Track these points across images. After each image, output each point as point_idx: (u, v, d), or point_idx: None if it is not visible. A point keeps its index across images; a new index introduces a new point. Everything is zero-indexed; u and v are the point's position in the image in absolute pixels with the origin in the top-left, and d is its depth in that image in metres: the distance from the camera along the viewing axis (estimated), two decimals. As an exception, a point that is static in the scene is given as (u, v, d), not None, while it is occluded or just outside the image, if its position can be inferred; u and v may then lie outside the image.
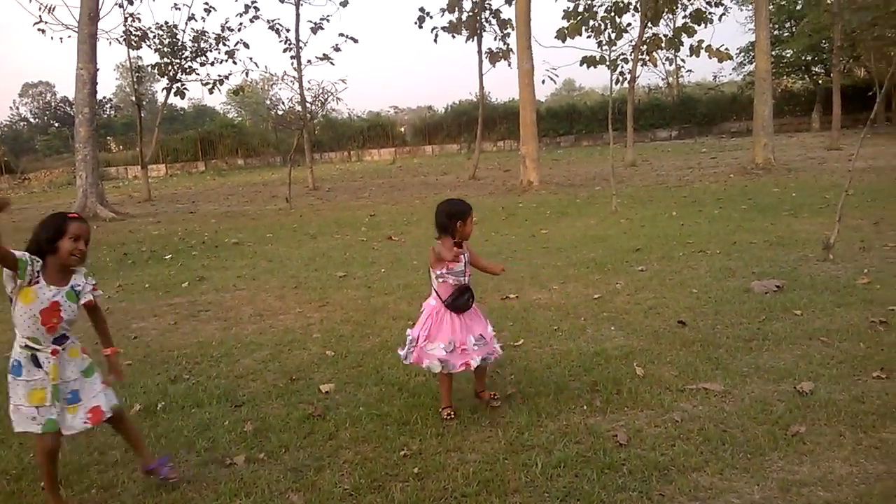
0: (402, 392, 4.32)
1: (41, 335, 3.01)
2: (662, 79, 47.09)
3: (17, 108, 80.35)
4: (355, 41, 24.67)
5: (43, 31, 24.31)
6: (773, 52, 30.55)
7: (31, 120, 78.90)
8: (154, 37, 25.27)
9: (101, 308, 3.32)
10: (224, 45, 25.82)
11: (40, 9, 21.85)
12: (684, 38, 22.68)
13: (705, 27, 21.96)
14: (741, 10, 38.42)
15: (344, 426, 3.88)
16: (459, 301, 3.89)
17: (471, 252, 4.07)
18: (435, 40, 25.89)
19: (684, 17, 23.21)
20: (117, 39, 24.48)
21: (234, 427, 3.98)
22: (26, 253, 2.96)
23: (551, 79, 18.21)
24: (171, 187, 31.61)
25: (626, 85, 24.85)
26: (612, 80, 16.45)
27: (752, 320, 5.35)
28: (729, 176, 17.78)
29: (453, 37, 25.16)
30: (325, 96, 24.03)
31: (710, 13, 22.74)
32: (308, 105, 24.58)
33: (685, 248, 8.48)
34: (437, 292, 3.97)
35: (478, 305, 4.07)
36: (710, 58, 20.20)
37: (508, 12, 24.46)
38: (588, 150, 36.61)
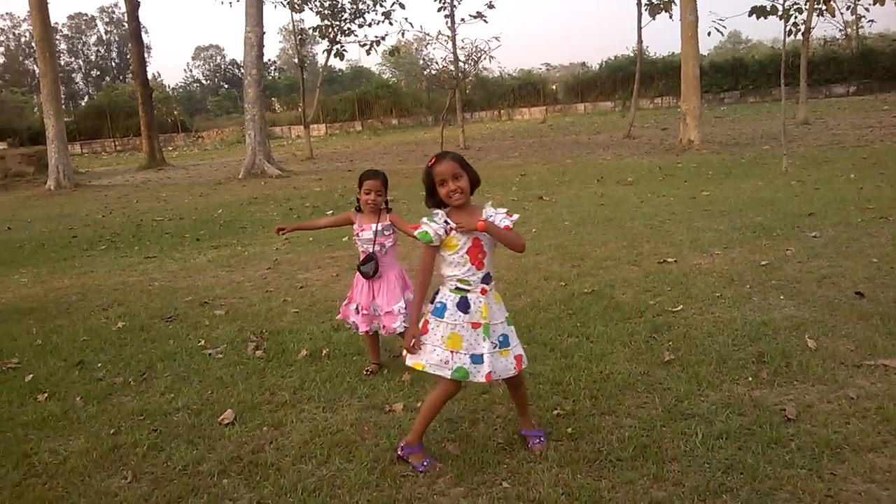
0: (553, 352, 4.30)
1: (472, 275, 3.04)
2: (840, 30, 42.93)
3: (191, 71, 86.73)
4: (510, -3, 24.35)
5: (215, -3, 25.77)
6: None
7: (203, 81, 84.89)
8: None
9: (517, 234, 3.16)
10: (381, 5, 26.39)
11: (214, -25, 23.20)
12: (869, -18, 20.49)
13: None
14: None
15: (496, 382, 3.92)
16: (365, 267, 4.15)
17: (397, 221, 4.17)
18: (592, -6, 25.03)
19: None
20: (282, 3, 25.67)
21: (393, 376, 4.14)
22: (424, 221, 3.03)
23: (718, 30, 17.09)
24: (330, 146, 33.02)
25: (799, 37, 22.91)
26: (784, 32, 15.17)
27: (943, 294, 4.84)
28: (918, 135, 16.10)
29: (611, -11, 24.21)
30: (478, 55, 24.02)
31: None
32: (461, 64, 24.68)
33: (864, 213, 7.78)
34: (359, 255, 4.27)
35: (409, 277, 4.23)
36: (899, 4, 18.17)
37: (671, -39, 23.15)
38: (755, 106, 34.29)
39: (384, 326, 4.16)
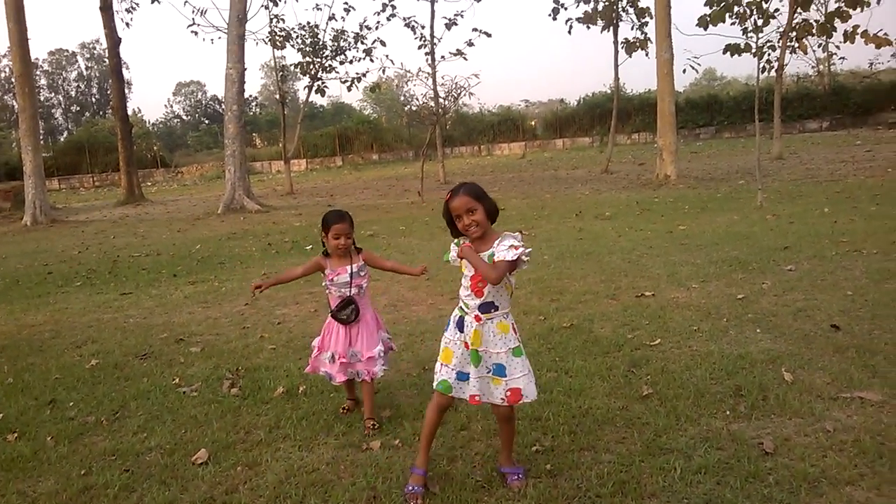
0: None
1: (470, 300, 3.09)
2: (812, 66, 43.99)
3: (171, 106, 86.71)
4: (489, 35, 24.74)
5: (195, 33, 26.13)
6: (944, 34, 27.76)
7: (184, 117, 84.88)
8: (297, 37, 26.51)
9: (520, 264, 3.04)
10: (362, 43, 26.72)
11: (193, 12, 23.41)
12: (837, 23, 20.98)
13: (861, 11, 20.22)
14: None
15: (475, 418, 3.90)
16: (342, 313, 3.94)
17: (370, 259, 4.08)
18: (569, 32, 25.55)
19: (837, 0, 21.52)
20: (263, 40, 25.92)
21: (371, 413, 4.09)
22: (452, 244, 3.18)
23: (693, 68, 17.51)
24: (310, 181, 33.04)
25: (772, 73, 23.42)
26: (758, 69, 15.53)
27: (916, 326, 4.90)
28: (887, 170, 16.42)
29: (588, 28, 24.71)
30: (458, 91, 24.26)
31: (867, -5, 20.94)
32: (441, 100, 24.93)
33: (838, 246, 7.89)
34: (329, 302, 4.04)
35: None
36: (867, 44, 18.57)
37: (647, 0, 23.70)
38: (730, 142, 34.88)
39: (368, 372, 3.97)
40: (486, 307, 3.06)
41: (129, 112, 33.92)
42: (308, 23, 26.45)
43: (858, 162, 19.11)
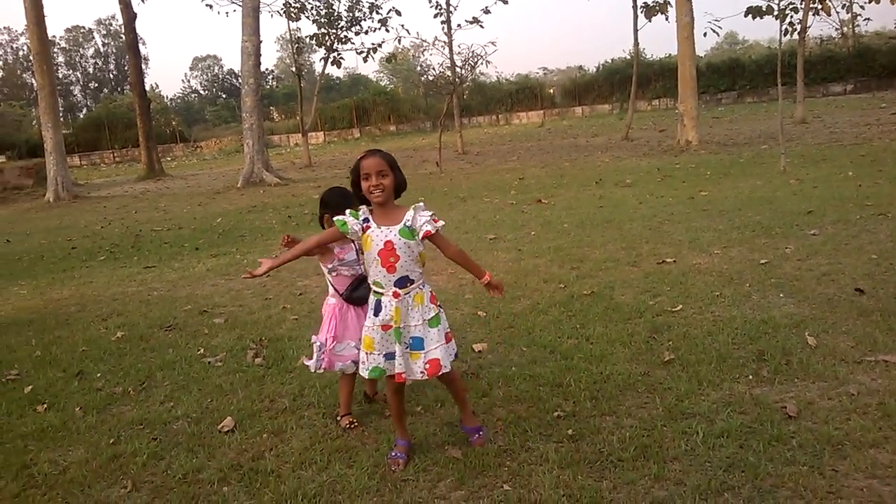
0: (553, 354, 4.29)
1: (383, 277, 3.04)
2: (836, 28, 43.00)
3: (188, 81, 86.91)
4: (505, 2, 24.40)
5: (210, 7, 25.97)
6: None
7: (201, 92, 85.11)
8: (312, 8, 26.29)
9: (446, 239, 3.17)
10: (377, 13, 26.46)
11: (209, -15, 23.27)
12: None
13: (889, -32, 19.70)
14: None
15: (497, 385, 3.92)
16: (359, 292, 3.54)
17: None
18: (587, -3, 25.04)
19: (865, -43, 21.00)
20: (278, 12, 25.72)
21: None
22: (347, 212, 3.08)
23: (714, 31, 17.15)
24: (328, 153, 33.05)
25: (795, 36, 22.93)
26: (780, 31, 15.19)
27: (942, 289, 4.83)
28: (915, 132, 16.10)
29: (607, -8, 24.26)
30: (475, 60, 24.01)
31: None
32: (458, 69, 24.70)
33: (863, 210, 7.77)
34: (333, 287, 3.65)
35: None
36: (893, 3, 18.18)
37: (666, -37, 23.19)
38: (752, 106, 34.32)
39: None
40: (402, 282, 3.04)
41: (147, 87, 34.00)
42: (323, -7, 26.22)
43: (884, 125, 18.73)
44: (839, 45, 40.91)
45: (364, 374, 3.12)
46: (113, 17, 77.78)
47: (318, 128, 44.35)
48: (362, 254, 3.55)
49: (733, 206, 8.89)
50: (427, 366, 3.04)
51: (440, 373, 3.05)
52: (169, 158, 41.41)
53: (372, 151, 3.12)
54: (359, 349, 3.48)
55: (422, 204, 3.16)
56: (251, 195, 17.64)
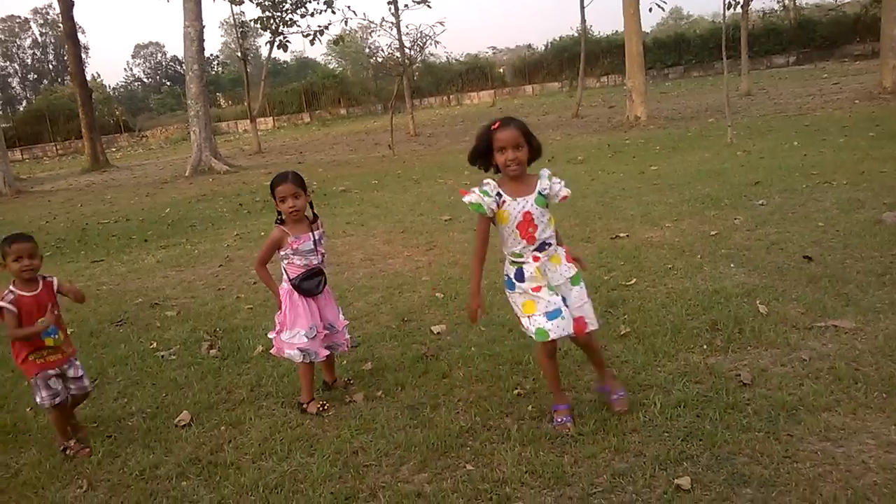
0: (512, 333, 4.30)
1: (523, 248, 3.04)
2: (778, 1, 43.79)
3: (131, 69, 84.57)
4: (452, -19, 24.20)
5: (152, -8, 25.20)
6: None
7: (145, 80, 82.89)
8: (255, -10, 25.71)
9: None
10: (323, -6, 26.00)
11: (148, -30, 22.56)
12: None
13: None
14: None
15: (457, 366, 3.92)
16: (309, 283, 3.53)
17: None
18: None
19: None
20: (221, -5, 25.06)
21: (352, 366, 4.10)
22: (475, 191, 3.03)
23: (659, 6, 17.33)
24: (278, 139, 32.57)
25: (738, 10, 23.30)
26: (724, 5, 15.41)
27: (884, 253, 4.98)
28: (854, 102, 16.52)
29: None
30: (424, 40, 23.89)
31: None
32: (407, 50, 24.51)
33: (809, 179, 7.96)
34: (286, 274, 3.57)
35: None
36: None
37: (610, -61, 23.29)
38: (698, 80, 34.86)
39: (344, 342, 3.78)
40: (541, 247, 3.04)
41: (88, 77, 33.02)
42: (266, -25, 25.67)
43: (826, 95, 19.21)
44: (781, 18, 41.72)
45: (533, 336, 3.03)
46: (50, 6, 75.12)
47: (267, 113, 43.65)
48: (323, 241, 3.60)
49: (683, 180, 9.02)
50: (574, 323, 3.03)
51: (587, 330, 3.06)
52: (114, 149, 40.35)
53: (506, 121, 2.99)
54: (308, 338, 3.51)
55: (546, 171, 3.10)
56: (200, 184, 17.28)
